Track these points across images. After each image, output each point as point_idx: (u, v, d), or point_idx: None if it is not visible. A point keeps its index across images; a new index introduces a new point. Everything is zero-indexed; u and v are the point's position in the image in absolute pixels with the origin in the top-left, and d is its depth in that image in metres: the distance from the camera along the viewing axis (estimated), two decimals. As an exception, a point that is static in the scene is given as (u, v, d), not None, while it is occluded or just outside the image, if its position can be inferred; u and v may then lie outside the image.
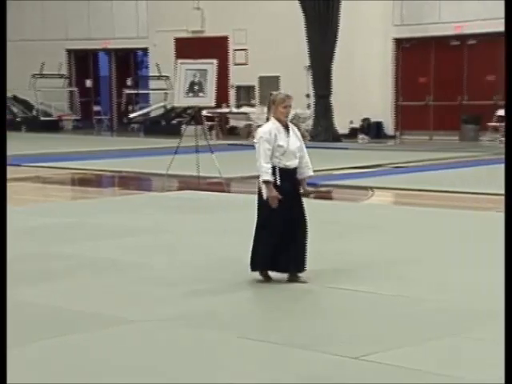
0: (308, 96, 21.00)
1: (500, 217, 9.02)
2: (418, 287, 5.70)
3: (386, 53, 20.63)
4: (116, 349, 4.46)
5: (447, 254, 6.85)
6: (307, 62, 20.14)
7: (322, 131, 19.59)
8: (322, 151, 17.35)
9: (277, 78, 22.23)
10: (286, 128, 5.85)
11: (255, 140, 5.82)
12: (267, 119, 5.91)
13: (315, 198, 12.23)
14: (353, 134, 20.72)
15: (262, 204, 5.80)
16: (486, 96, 19.27)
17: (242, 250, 6.87)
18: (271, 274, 5.88)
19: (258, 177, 5.84)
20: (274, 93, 5.98)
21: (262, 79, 22.74)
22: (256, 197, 5.89)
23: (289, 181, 5.78)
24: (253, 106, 22.40)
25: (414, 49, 20.40)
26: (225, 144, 18.71)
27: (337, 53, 19.52)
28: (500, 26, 18.65)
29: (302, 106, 21.16)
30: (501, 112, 18.76)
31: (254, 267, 5.86)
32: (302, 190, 5.88)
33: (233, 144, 19.08)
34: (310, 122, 20.37)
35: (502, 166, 17.32)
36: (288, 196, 5.74)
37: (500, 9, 18.69)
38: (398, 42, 20.59)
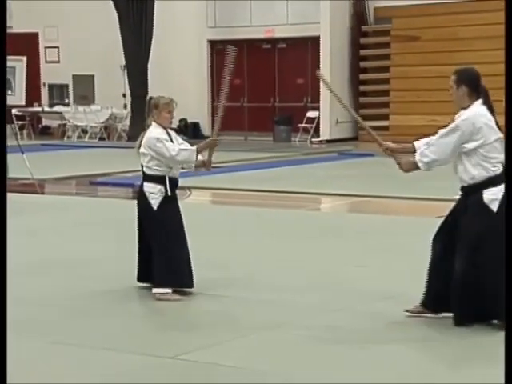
0: (124, 96, 20.77)
1: (312, 214, 9.44)
2: (227, 285, 5.80)
3: (202, 54, 20.86)
4: None
5: (267, 252, 7.04)
6: (123, 61, 19.93)
7: (140, 131, 19.44)
8: (139, 151, 17.19)
9: (92, 76, 21.81)
10: (169, 135, 5.54)
11: (155, 144, 5.40)
12: (147, 126, 5.52)
13: (133, 198, 12.09)
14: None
15: (154, 214, 5.40)
16: (296, 98, 20.02)
17: (59, 252, 6.66)
18: None
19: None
20: (155, 96, 5.56)
21: (75, 78, 22.20)
22: (139, 207, 5.52)
23: (174, 191, 5.52)
24: (67, 105, 21.83)
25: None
26: (37, 144, 18.06)
27: (153, 53, 19.46)
28: (308, 31, 19.59)
29: (119, 105, 20.92)
30: (310, 114, 19.59)
31: (173, 283, 5.43)
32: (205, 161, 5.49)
33: (46, 144, 18.47)
34: (126, 122, 20.17)
35: (313, 165, 17.99)
36: (177, 206, 5.51)
37: (308, 14, 19.57)
38: (213, 44, 20.89)
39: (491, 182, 4.59)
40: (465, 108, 4.66)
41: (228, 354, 4.34)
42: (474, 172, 4.59)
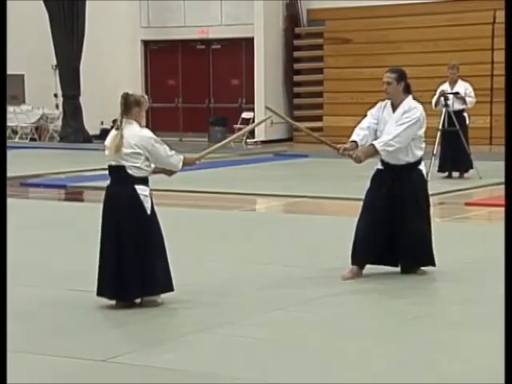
0: (56, 96, 20.45)
1: (247, 215, 9.48)
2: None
3: (135, 54, 20.71)
4: None
5: (199, 253, 7.03)
6: (54, 61, 19.64)
7: (72, 132, 19.18)
8: (73, 152, 16.95)
9: (21, 76, 21.40)
10: None
11: (153, 145, 5.15)
12: (120, 123, 5.07)
13: (65, 200, 11.90)
14: (104, 134, 20.40)
15: (148, 219, 5.13)
16: (231, 99, 20.06)
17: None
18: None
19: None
20: (131, 93, 5.14)
21: (5, 77, 21.75)
22: (127, 212, 5.09)
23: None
24: (-4, 105, 21.38)
25: (162, 51, 20.69)
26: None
27: (85, 53, 19.22)
28: (242, 32, 19.64)
29: (51, 106, 20.58)
30: (245, 114, 19.66)
31: (159, 290, 5.18)
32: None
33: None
34: (58, 123, 19.86)
35: (249, 166, 18.01)
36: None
37: (242, 15, 19.62)
38: (146, 44, 20.76)
39: (421, 159, 5.91)
40: (399, 101, 5.76)
41: (161, 357, 4.32)
42: (418, 153, 5.82)
